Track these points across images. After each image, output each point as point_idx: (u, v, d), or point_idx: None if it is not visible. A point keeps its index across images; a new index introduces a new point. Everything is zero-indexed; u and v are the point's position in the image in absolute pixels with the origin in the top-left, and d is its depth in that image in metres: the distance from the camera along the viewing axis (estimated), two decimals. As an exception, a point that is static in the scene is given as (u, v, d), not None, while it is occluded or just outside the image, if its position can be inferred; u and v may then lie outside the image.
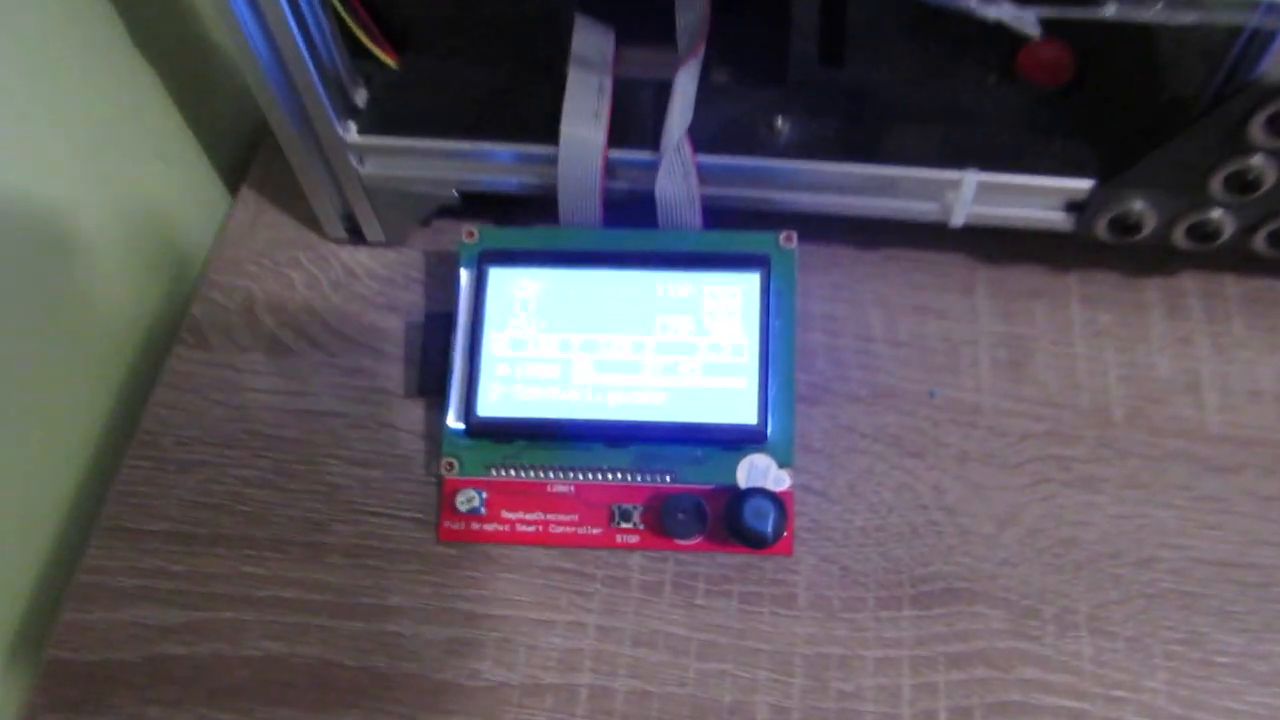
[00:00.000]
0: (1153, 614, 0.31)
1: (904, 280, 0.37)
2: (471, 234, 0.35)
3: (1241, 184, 0.30)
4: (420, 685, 0.31)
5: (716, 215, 0.34)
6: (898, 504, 0.33)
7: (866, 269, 0.37)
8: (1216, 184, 0.31)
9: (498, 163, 0.35)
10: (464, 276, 0.34)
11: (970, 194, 0.32)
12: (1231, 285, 0.37)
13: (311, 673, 0.31)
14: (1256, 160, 0.30)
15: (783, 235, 0.34)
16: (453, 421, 0.33)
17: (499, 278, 0.34)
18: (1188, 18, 0.25)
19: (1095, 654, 0.31)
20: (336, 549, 0.33)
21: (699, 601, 0.32)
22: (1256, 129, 0.29)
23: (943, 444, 0.34)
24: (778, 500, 0.30)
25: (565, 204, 0.34)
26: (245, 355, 0.37)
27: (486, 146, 0.34)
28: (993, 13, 0.26)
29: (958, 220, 0.33)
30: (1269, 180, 0.30)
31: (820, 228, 0.36)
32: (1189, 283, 0.37)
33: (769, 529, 0.29)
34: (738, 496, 0.30)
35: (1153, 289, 0.37)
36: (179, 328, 0.37)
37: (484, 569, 0.33)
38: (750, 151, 0.33)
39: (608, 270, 0.33)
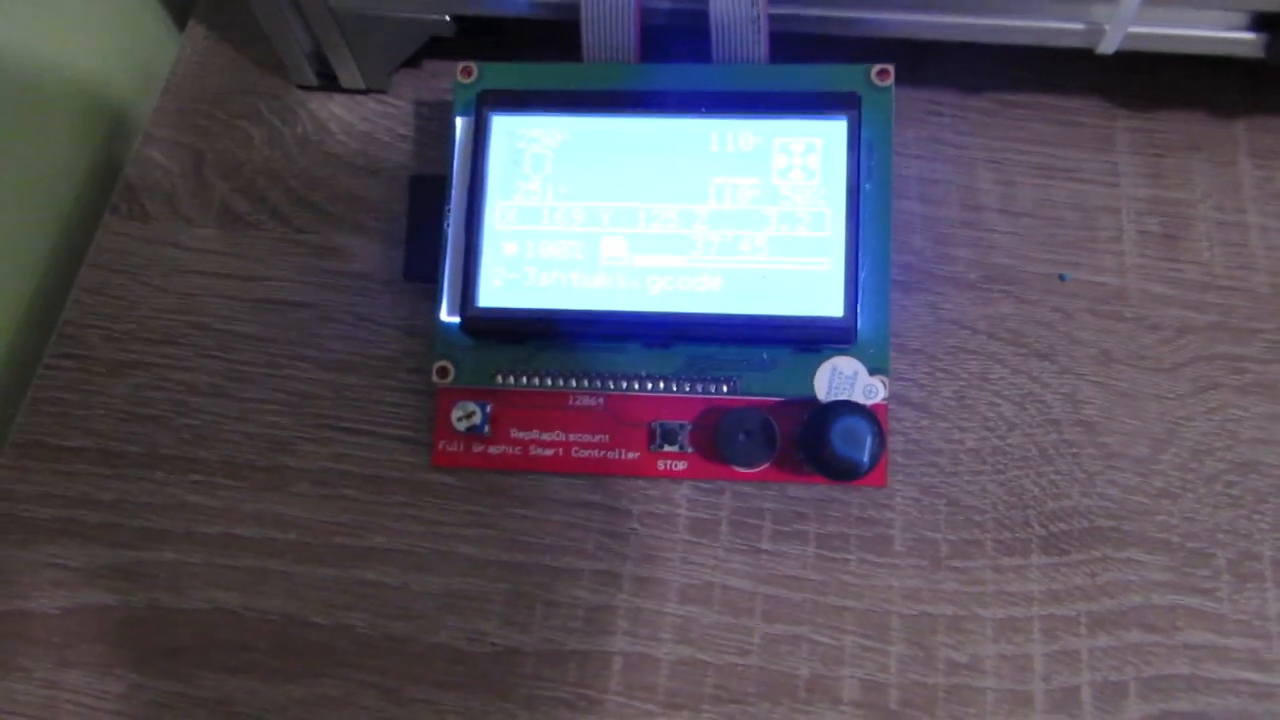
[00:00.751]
0: (1357, 561, 0.24)
1: (1024, 132, 0.29)
2: (469, 71, 0.27)
3: None
4: (409, 650, 0.24)
5: (788, 44, 0.26)
6: (1021, 419, 0.26)
7: (975, 118, 0.29)
8: None
9: (500, -24, 0.26)
10: (460, 126, 0.26)
11: (1133, 7, 0.24)
12: None
13: (272, 632, 0.25)
14: None
15: (876, 69, 0.26)
16: (446, 315, 0.25)
17: (504, 127, 0.26)
18: None
19: (1283, 613, 0.24)
20: (304, 475, 0.26)
21: (765, 545, 0.25)
22: None
23: (1078, 341, 0.26)
24: (873, 418, 0.23)
25: (590, 30, 0.26)
26: (191, 229, 0.29)
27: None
28: None
29: (1110, 45, 0.25)
30: None
31: (913, 63, 0.28)
32: (1396, 131, 0.28)
33: (864, 457, 0.22)
34: (821, 413, 0.23)
35: (1347, 139, 0.28)
36: (110, 194, 0.30)
37: (489, 502, 0.26)
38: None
39: (647, 118, 0.25)
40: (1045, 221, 0.28)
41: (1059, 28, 0.25)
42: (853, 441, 0.22)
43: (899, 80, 0.26)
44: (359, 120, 0.30)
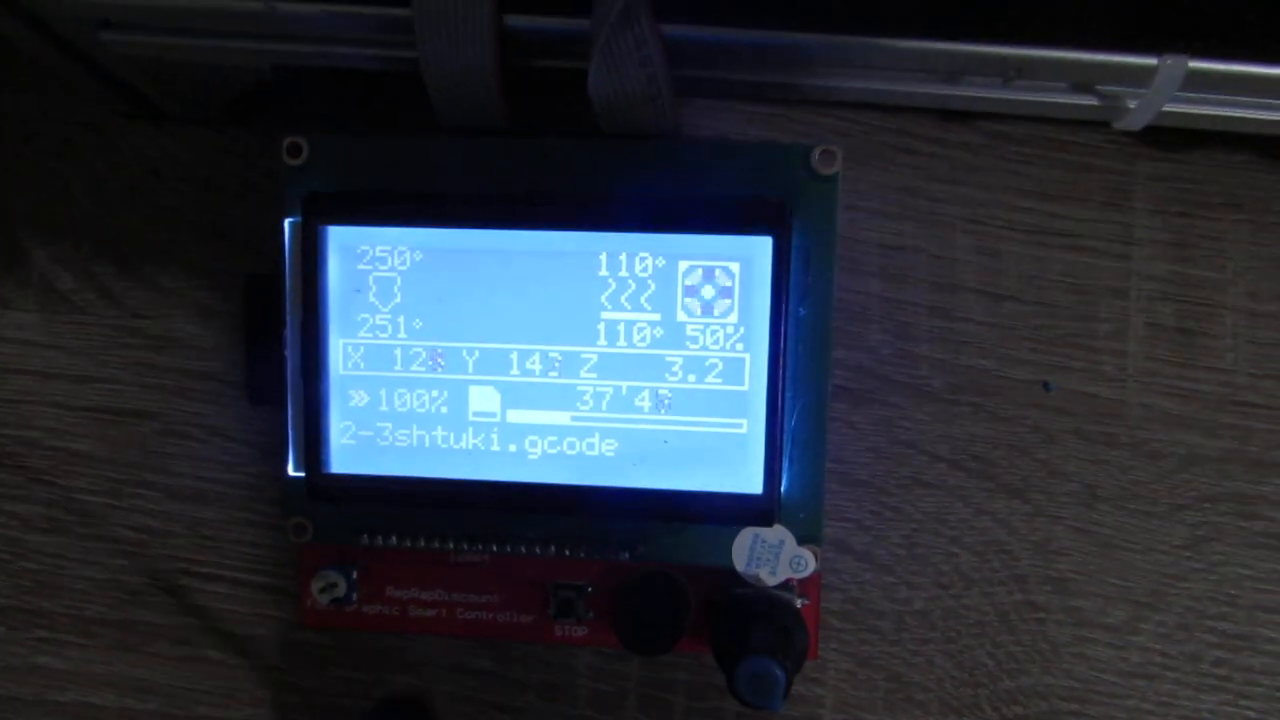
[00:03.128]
0: (1361, 751, 0.21)
1: (1017, 178, 0.23)
2: (297, 149, 0.21)
3: None
4: (285, 843, 0.22)
5: (706, 107, 0.20)
6: (981, 574, 0.22)
7: (956, 162, 0.23)
8: None
9: (313, 30, 0.20)
10: (288, 232, 0.21)
11: (1171, 88, 0.18)
12: None
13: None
14: None
15: (818, 152, 0.20)
16: (293, 470, 0.21)
17: (342, 242, 0.20)
18: None
19: (1265, 815, 0.21)
20: (162, 632, 0.23)
21: (677, 726, 0.22)
22: None
23: (1058, 473, 0.22)
24: (788, 628, 0.19)
25: (440, 99, 0.20)
26: (7, 313, 0.25)
27: (281, 7, 0.19)
28: None
29: (1137, 122, 0.19)
30: None
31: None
32: None
33: (777, 699, 0.19)
34: (729, 643, 0.19)
35: None
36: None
37: (372, 668, 0.23)
38: (761, 21, 0.18)
39: (521, 231, 0.20)
40: (1034, 308, 0.22)
41: (1068, 101, 0.19)
42: (762, 690, 0.18)
43: (865, 113, 0.20)
44: (197, 160, 0.24)
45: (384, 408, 0.20)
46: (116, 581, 0.23)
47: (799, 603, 0.21)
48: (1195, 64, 0.17)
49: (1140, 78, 0.18)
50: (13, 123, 0.25)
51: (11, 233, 0.25)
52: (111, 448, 0.24)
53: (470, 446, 0.20)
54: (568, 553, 0.21)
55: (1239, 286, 0.22)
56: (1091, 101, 0.19)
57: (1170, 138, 0.22)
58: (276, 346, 0.22)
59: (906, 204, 0.23)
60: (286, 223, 0.21)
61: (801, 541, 0.20)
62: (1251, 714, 0.21)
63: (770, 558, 0.21)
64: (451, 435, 0.20)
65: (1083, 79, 0.18)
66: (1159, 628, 0.21)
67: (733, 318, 0.20)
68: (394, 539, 0.21)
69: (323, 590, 0.22)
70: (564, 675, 0.22)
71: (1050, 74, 0.18)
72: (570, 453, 0.20)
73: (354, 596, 0.22)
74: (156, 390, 0.24)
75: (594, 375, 0.20)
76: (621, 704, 0.22)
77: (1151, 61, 0.17)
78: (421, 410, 0.20)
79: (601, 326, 0.20)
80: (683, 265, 0.20)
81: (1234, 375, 0.22)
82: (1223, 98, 0.18)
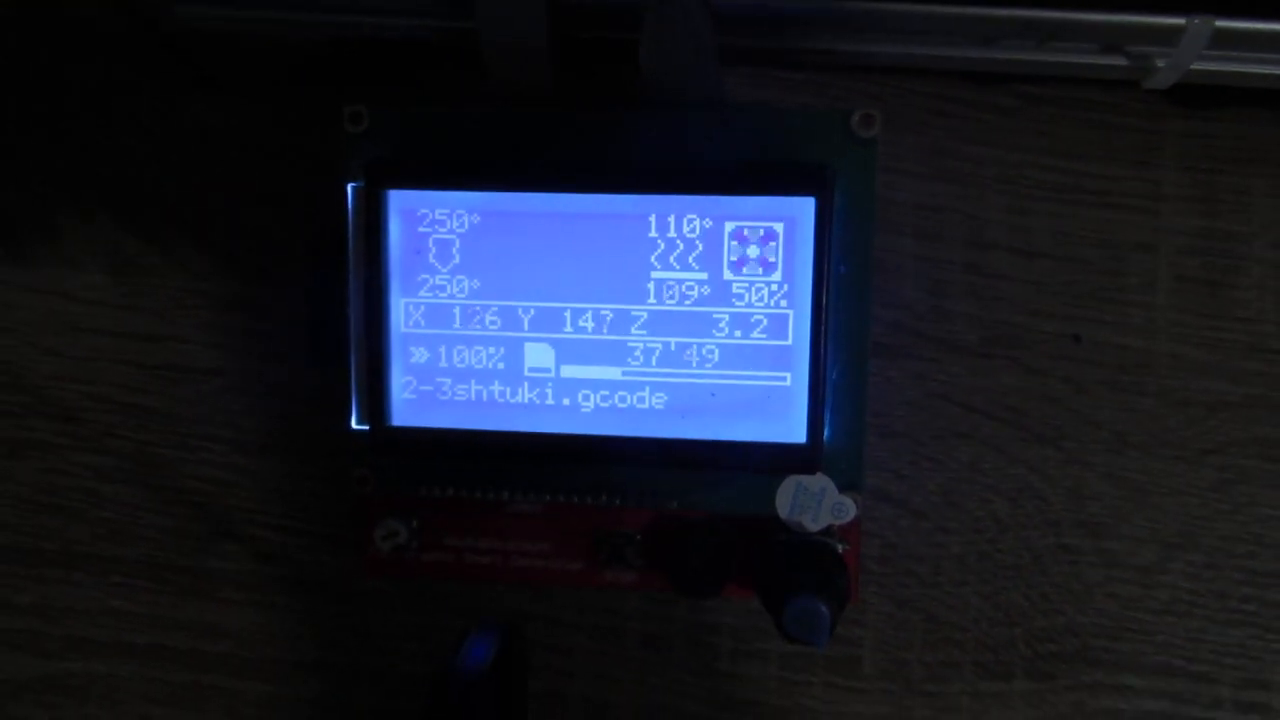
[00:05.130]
0: (1380, 684, 0.22)
1: (1046, 142, 0.23)
2: (358, 117, 0.22)
3: None
4: (354, 776, 0.23)
5: (752, 68, 0.21)
6: (1015, 519, 0.23)
7: (988, 124, 0.23)
8: None
9: (376, 1, 0.21)
10: (351, 196, 0.22)
11: (1196, 47, 0.18)
12: None
13: (213, 754, 0.24)
14: None
15: (858, 116, 0.20)
16: (357, 423, 0.22)
17: (403, 205, 0.21)
18: None
19: (1289, 744, 0.22)
20: (230, 578, 0.24)
21: (723, 666, 0.23)
22: None
23: (1090, 422, 0.23)
24: (831, 571, 0.20)
25: (497, 71, 0.21)
26: (79, 275, 0.26)
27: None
28: None
29: (1164, 81, 0.20)
30: None
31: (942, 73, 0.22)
32: None
33: (821, 636, 0.20)
34: (775, 586, 0.20)
35: None
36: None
37: (429, 613, 0.24)
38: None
39: (572, 194, 0.21)
40: (1064, 263, 0.23)
41: (1099, 62, 0.20)
42: (809, 625, 0.19)
43: (900, 79, 0.21)
44: (257, 131, 0.25)
45: (443, 364, 0.22)
46: (186, 529, 0.25)
47: (840, 548, 0.22)
48: (1222, 23, 0.18)
49: (1168, 37, 0.18)
50: (83, 92, 0.26)
51: (82, 198, 0.26)
52: (181, 404, 0.25)
53: (526, 401, 0.21)
54: (619, 502, 0.22)
55: (1263, 239, 0.23)
56: (1121, 62, 0.19)
57: (1198, 96, 0.22)
58: (338, 307, 0.23)
59: (941, 165, 0.24)
60: (349, 187, 0.22)
61: (843, 489, 0.21)
62: (1278, 646, 0.22)
63: (813, 505, 0.22)
64: (508, 390, 0.21)
65: (1112, 40, 0.19)
66: (1188, 567, 0.22)
67: (777, 276, 0.20)
68: (451, 490, 0.22)
69: (385, 538, 0.23)
70: (613, 619, 0.23)
71: (1081, 36, 0.19)
72: (621, 406, 0.21)
73: (414, 544, 0.23)
74: (222, 347, 0.25)
75: (644, 332, 0.21)
76: (670, 645, 0.23)
77: (1180, 21, 0.18)
78: (479, 366, 0.21)
79: (651, 285, 0.21)
80: (729, 226, 0.20)
81: (1259, 324, 0.23)
82: (1249, 55, 0.19)
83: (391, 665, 0.24)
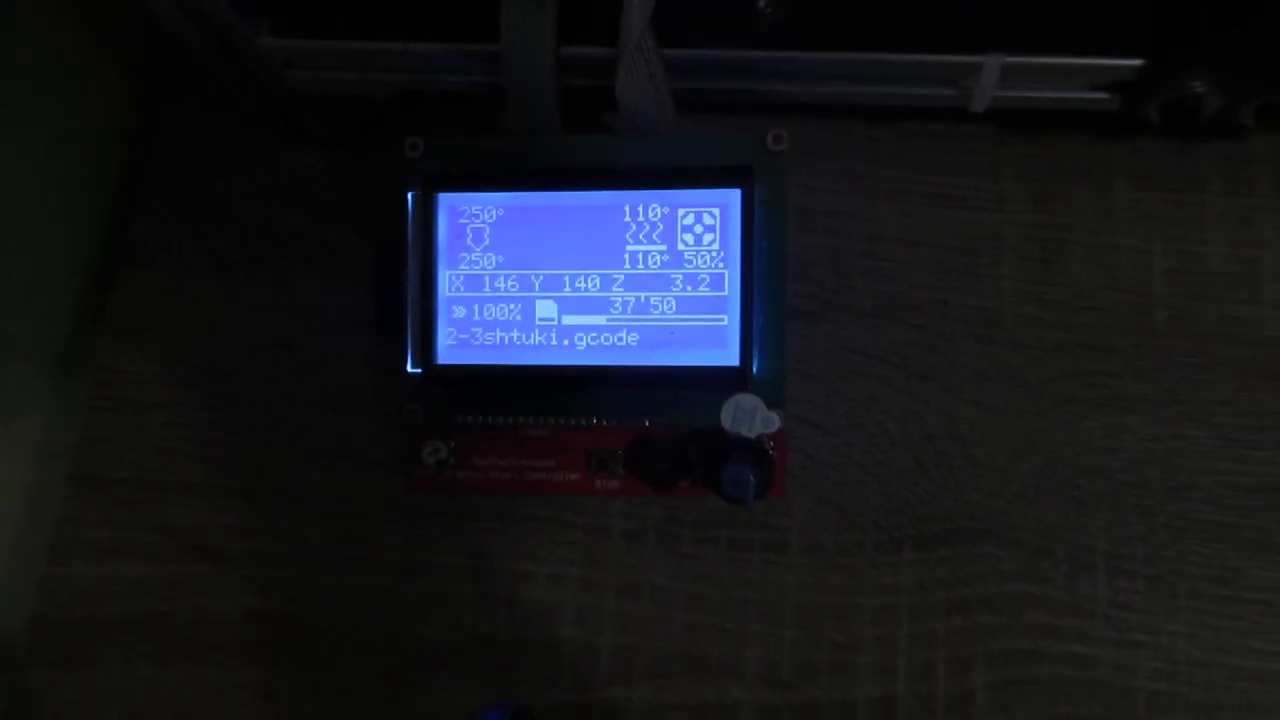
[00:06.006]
0: (1179, 549, 0.29)
1: (923, 163, 0.32)
2: (416, 146, 0.30)
3: (1331, 63, 0.25)
4: (401, 642, 0.30)
5: (698, 106, 0.29)
6: (902, 435, 0.30)
7: (879, 151, 0.32)
8: (1299, 63, 0.25)
9: (437, 62, 0.30)
10: (411, 201, 0.30)
11: (994, 78, 0.27)
12: (1312, 146, 0.31)
13: (289, 628, 0.31)
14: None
15: (771, 136, 0.29)
16: (412, 367, 0.30)
17: (448, 204, 0.30)
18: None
19: (1112, 595, 0.28)
20: (307, 498, 0.32)
21: (685, 550, 0.30)
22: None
23: (956, 363, 0.30)
24: (758, 457, 0.28)
25: (516, 111, 0.29)
26: (191, 277, 0.34)
27: (416, 47, 0.29)
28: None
29: (979, 106, 0.28)
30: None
31: (833, 108, 0.31)
32: (1258, 146, 0.31)
33: (750, 494, 0.27)
34: (711, 453, 0.28)
35: (1212, 158, 0.31)
36: (117, 247, 0.35)
37: (459, 518, 0.31)
38: (730, 41, 0.28)
39: (569, 193, 0.29)
40: (936, 250, 0.31)
41: (935, 93, 0.28)
42: (738, 484, 0.27)
43: (815, 118, 0.29)
44: (331, 171, 0.34)
45: (476, 318, 0.29)
46: (273, 464, 0.32)
47: (770, 452, 0.29)
48: (1010, 59, 0.26)
49: (975, 71, 0.27)
50: (195, 135, 0.35)
51: (194, 217, 0.34)
52: (267, 370, 0.33)
53: (536, 343, 0.29)
54: (605, 422, 0.30)
55: (1080, 229, 0.31)
56: (952, 92, 0.28)
57: (1030, 122, 0.31)
58: (397, 286, 0.31)
59: (845, 181, 0.32)
60: (409, 194, 0.30)
61: (770, 406, 0.29)
62: (1100, 521, 0.29)
63: (747, 419, 0.29)
64: (524, 335, 0.29)
65: (943, 76, 0.28)
66: (1032, 465, 0.29)
67: (716, 245, 0.28)
68: (479, 418, 0.30)
69: (430, 454, 0.30)
70: (601, 518, 0.30)
71: (919, 74, 0.27)
72: (605, 344, 0.29)
73: (451, 461, 0.30)
74: (300, 330, 0.33)
75: (621, 289, 0.29)
76: (644, 536, 0.30)
77: (979, 59, 0.26)
78: (503, 319, 0.29)
79: (626, 256, 0.29)
80: (681, 211, 0.29)
81: (1080, 289, 0.30)
82: (1042, 83, 0.28)
83: (430, 559, 0.31)
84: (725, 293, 0.28)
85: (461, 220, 0.30)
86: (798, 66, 0.28)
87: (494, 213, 0.29)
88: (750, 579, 0.30)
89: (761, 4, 0.28)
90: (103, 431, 0.33)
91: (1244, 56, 0.25)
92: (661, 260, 0.29)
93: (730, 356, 0.28)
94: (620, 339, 0.29)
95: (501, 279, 0.29)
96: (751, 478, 0.27)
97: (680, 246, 0.29)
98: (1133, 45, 0.26)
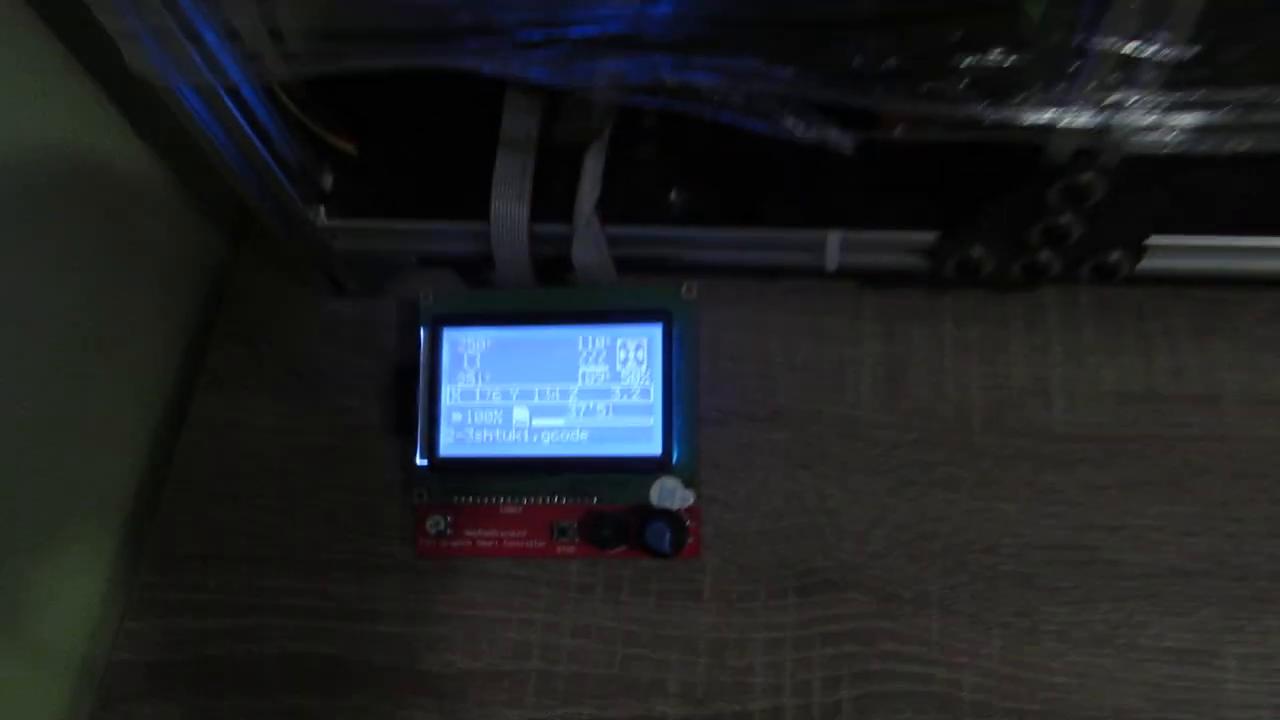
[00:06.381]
0: (992, 593, 0.38)
1: (801, 309, 0.43)
2: (428, 294, 0.41)
3: (1056, 236, 0.36)
4: (407, 674, 0.39)
5: (632, 267, 0.41)
6: (787, 509, 0.40)
7: (769, 300, 0.43)
8: (1035, 235, 0.36)
9: (445, 236, 0.41)
10: (423, 334, 0.41)
11: (836, 248, 0.38)
12: (1085, 294, 0.42)
13: (323, 667, 0.39)
14: (1065, 219, 0.35)
15: (684, 288, 0.40)
16: (419, 459, 0.40)
17: (451, 337, 0.40)
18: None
19: (942, 628, 0.38)
20: (337, 564, 0.41)
21: (624, 599, 0.39)
22: (1054, 196, 0.34)
23: (826, 456, 0.40)
24: (674, 520, 0.37)
25: (501, 270, 0.41)
26: (254, 398, 0.44)
27: (433, 225, 0.40)
28: (813, 135, 0.32)
29: (831, 267, 0.39)
30: (1075, 233, 0.35)
31: (730, 268, 0.42)
32: (1049, 294, 0.42)
33: (667, 546, 0.37)
34: (641, 520, 0.37)
35: (1015, 302, 0.42)
36: (197, 375, 0.45)
37: (453, 578, 0.40)
38: (652, 221, 0.39)
39: (538, 328, 0.40)
40: (813, 373, 0.42)
41: (799, 258, 0.40)
42: (657, 537, 0.37)
43: (722, 277, 0.41)
44: (362, 315, 0.45)
45: (469, 421, 0.40)
46: (312, 539, 0.42)
47: (687, 522, 0.39)
48: (850, 233, 0.38)
49: (820, 243, 0.38)
50: (259, 291, 0.46)
51: (256, 355, 0.45)
52: (310, 467, 0.43)
53: (513, 439, 0.39)
54: (564, 500, 0.40)
55: (918, 355, 0.42)
56: (816, 259, 0.39)
57: (880, 278, 0.42)
58: (410, 401, 0.41)
59: (742, 322, 0.43)
60: (422, 329, 0.41)
61: (687, 486, 0.39)
62: (934, 573, 0.38)
63: (670, 495, 0.39)
64: (504, 434, 0.39)
65: (805, 246, 0.39)
66: (884, 532, 0.39)
67: (645, 367, 0.39)
68: (469, 498, 0.40)
69: (432, 525, 0.40)
70: (561, 575, 0.40)
71: (782, 243, 0.39)
72: (564, 439, 0.39)
73: (448, 532, 0.40)
74: (336, 436, 0.43)
75: (576, 398, 0.39)
76: (594, 588, 0.40)
77: (824, 233, 0.38)
78: (489, 422, 0.40)
79: (579, 374, 0.39)
80: (619, 341, 0.39)
81: (918, 401, 0.41)
82: (878, 249, 0.39)
83: (430, 608, 0.40)
84: (651, 401, 0.39)
85: (460, 349, 0.40)
86: (699, 238, 0.39)
87: (484, 343, 0.40)
88: (672, 620, 0.39)
89: (673, 197, 0.39)
90: (177, 515, 0.43)
91: (1001, 228, 0.36)
92: (605, 377, 0.39)
93: (656, 448, 0.39)
94: (575, 436, 0.39)
95: (488, 392, 0.40)
96: (667, 533, 0.37)
97: (619, 367, 0.39)
98: (931, 222, 0.38)
